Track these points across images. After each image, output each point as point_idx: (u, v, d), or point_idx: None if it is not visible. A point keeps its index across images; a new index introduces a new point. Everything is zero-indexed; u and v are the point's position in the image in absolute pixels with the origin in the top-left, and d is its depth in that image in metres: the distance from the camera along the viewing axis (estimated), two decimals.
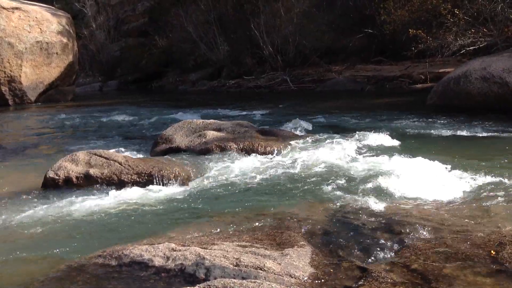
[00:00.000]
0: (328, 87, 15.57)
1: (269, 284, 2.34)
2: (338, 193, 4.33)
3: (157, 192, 4.78)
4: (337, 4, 17.44)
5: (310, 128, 8.13)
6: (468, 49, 11.35)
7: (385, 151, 5.75)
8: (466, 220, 3.43)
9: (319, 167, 5.21)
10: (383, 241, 3.16)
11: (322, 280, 2.63)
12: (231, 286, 2.25)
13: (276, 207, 4.09)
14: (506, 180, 4.42)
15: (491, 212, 3.58)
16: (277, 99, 13.78)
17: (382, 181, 4.50)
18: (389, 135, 6.53)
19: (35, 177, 5.41)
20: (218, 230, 3.56)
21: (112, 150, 5.71)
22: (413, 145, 6.10)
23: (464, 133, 7.04)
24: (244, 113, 10.98)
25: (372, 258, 2.95)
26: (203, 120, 6.85)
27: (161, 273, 2.74)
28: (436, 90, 9.76)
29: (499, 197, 3.95)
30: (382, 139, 6.38)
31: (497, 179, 4.49)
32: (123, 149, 6.85)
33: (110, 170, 4.99)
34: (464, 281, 2.55)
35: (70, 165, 5.06)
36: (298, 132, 7.32)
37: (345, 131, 6.84)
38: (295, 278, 2.61)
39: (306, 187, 4.60)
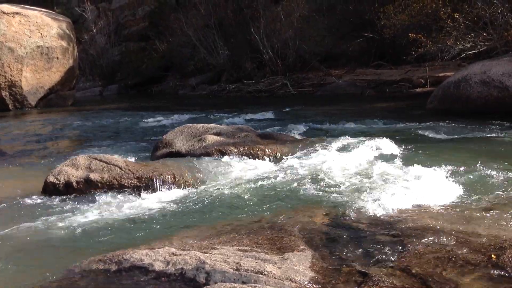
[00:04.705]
0: (328, 91, 15.59)
1: None
2: (339, 197, 4.33)
3: (157, 197, 4.78)
4: (337, 9, 17.47)
5: (310, 133, 8.14)
6: (468, 53, 11.36)
7: (385, 156, 5.75)
8: (467, 224, 3.43)
9: (319, 172, 5.20)
10: (383, 246, 3.16)
11: (323, 285, 2.63)
12: None
13: (276, 212, 4.08)
14: (506, 184, 4.42)
15: (492, 216, 3.58)
16: (277, 104, 13.80)
17: (382, 186, 4.50)
18: (389, 140, 6.52)
19: (35, 181, 5.41)
20: (218, 234, 3.55)
21: (112, 155, 5.71)
22: (413, 149, 6.10)
23: (464, 137, 7.04)
24: (244, 117, 10.98)
25: (373, 262, 2.94)
26: (203, 125, 6.85)
27: (162, 277, 2.73)
28: (436, 94, 9.76)
29: (499, 201, 3.95)
30: (382, 143, 6.37)
31: (498, 183, 4.49)
32: (123, 154, 6.85)
33: (110, 174, 4.99)
34: (465, 286, 2.54)
35: (71, 170, 5.07)
36: (298, 136, 7.32)
37: (345, 135, 6.83)
38: (296, 282, 2.61)
39: (305, 191, 4.60)
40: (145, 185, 4.95)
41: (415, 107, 10.72)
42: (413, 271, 2.71)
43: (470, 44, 11.10)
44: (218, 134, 6.51)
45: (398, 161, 5.40)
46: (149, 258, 2.91)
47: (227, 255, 2.89)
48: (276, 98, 15.93)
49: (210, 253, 2.94)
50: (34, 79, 15.65)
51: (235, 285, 2.35)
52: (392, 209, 3.90)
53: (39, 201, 4.84)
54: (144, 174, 5.01)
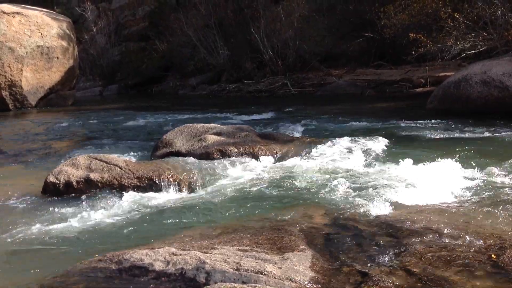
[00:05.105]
0: (328, 91, 15.58)
1: None
2: (339, 197, 4.33)
3: (157, 197, 4.78)
4: (337, 9, 17.46)
5: (311, 132, 8.14)
6: (468, 53, 11.35)
7: (385, 155, 5.76)
8: (467, 223, 3.43)
9: (320, 171, 5.21)
10: (383, 245, 3.16)
11: (323, 285, 2.63)
12: None
13: (277, 211, 4.09)
14: (506, 184, 4.42)
15: (492, 216, 3.58)
16: (277, 103, 13.80)
17: (382, 185, 4.50)
18: (389, 139, 6.53)
19: (35, 181, 5.41)
20: (218, 234, 3.55)
21: (112, 155, 5.71)
22: (413, 149, 6.10)
23: (464, 137, 7.04)
24: (245, 117, 10.98)
25: (373, 262, 2.94)
26: (203, 124, 6.85)
27: (162, 277, 2.73)
28: (436, 94, 9.76)
29: (499, 201, 3.94)
30: (382, 143, 6.38)
31: (497, 183, 4.49)
32: (123, 153, 6.85)
33: (110, 174, 4.99)
34: (465, 285, 2.54)
35: (71, 170, 5.07)
36: (298, 136, 7.32)
37: (345, 135, 6.84)
38: (296, 282, 2.61)
39: (306, 191, 4.60)
40: (145, 185, 4.95)
41: (415, 107, 10.71)
42: (413, 271, 2.71)
43: (470, 44, 11.09)
44: (218, 134, 6.52)
45: (397, 161, 5.39)
46: (149, 258, 2.91)
47: (227, 255, 2.89)
48: (276, 98, 15.93)
49: (210, 253, 2.94)
50: (34, 79, 15.63)
51: (235, 285, 2.35)
52: (392, 208, 3.90)
53: (39, 201, 4.84)
54: (144, 174, 5.01)
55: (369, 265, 2.90)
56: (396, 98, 12.84)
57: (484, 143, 6.53)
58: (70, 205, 4.61)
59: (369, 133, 7.25)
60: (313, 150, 6.10)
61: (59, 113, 14.33)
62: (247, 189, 4.81)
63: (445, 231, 3.27)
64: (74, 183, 4.94)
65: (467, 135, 7.16)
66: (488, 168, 4.91)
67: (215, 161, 5.77)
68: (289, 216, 3.88)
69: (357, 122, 8.99)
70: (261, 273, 2.63)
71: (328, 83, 16.22)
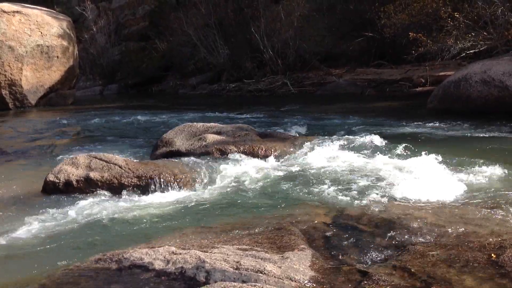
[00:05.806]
0: (328, 90, 15.57)
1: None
2: (339, 196, 4.33)
3: (157, 196, 4.78)
4: (337, 8, 17.45)
5: (311, 131, 8.13)
6: (468, 52, 11.35)
7: (385, 155, 5.75)
8: (467, 223, 3.43)
9: (319, 171, 5.21)
10: (383, 245, 3.16)
11: (323, 284, 2.63)
12: None
13: (276, 210, 4.09)
14: (506, 183, 4.42)
15: (492, 215, 3.58)
16: (277, 103, 13.79)
17: (382, 184, 4.51)
18: (389, 138, 6.53)
19: (35, 180, 5.41)
20: (218, 233, 3.55)
21: (112, 154, 5.71)
22: (412, 149, 6.09)
23: (463, 136, 7.04)
24: (245, 116, 10.98)
25: (373, 261, 2.94)
26: (203, 124, 6.85)
27: (161, 276, 2.73)
28: (436, 94, 9.75)
29: (499, 200, 3.94)
30: (382, 142, 6.37)
31: (497, 182, 4.49)
32: (123, 153, 6.85)
33: (110, 173, 4.99)
34: (465, 285, 2.54)
35: (71, 169, 5.07)
36: (298, 135, 7.32)
37: (345, 134, 6.84)
38: (296, 281, 2.61)
39: (306, 190, 4.60)
40: (145, 184, 4.95)
41: (415, 106, 10.71)
42: (413, 270, 2.71)
43: (470, 43, 11.09)
44: (218, 133, 6.51)
45: (398, 160, 5.39)
46: (149, 257, 2.91)
47: (227, 254, 2.89)
48: (276, 98, 15.93)
49: (210, 252, 2.94)
50: (34, 78, 15.62)
51: (235, 284, 2.35)
52: (392, 207, 3.90)
53: (39, 200, 4.83)
54: (144, 173, 5.01)
55: (369, 264, 2.90)
56: (396, 98, 12.84)
57: (484, 142, 6.53)
58: (70, 204, 4.60)
59: (369, 132, 7.24)
60: (313, 149, 6.09)
61: (59, 112, 14.33)
62: (247, 188, 4.81)
63: (445, 230, 3.27)
64: (74, 182, 4.94)
65: (467, 134, 7.16)
66: (488, 167, 4.91)
67: (215, 160, 5.76)
68: (289, 215, 3.88)
69: (357, 121, 8.99)
70: (261, 272, 2.63)
71: (328, 83, 16.21)
